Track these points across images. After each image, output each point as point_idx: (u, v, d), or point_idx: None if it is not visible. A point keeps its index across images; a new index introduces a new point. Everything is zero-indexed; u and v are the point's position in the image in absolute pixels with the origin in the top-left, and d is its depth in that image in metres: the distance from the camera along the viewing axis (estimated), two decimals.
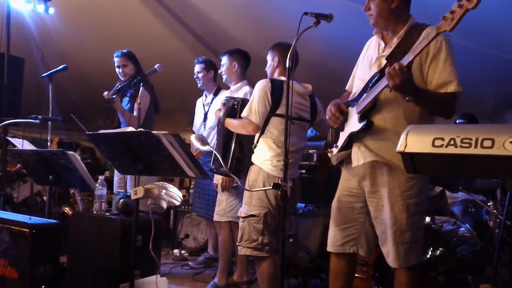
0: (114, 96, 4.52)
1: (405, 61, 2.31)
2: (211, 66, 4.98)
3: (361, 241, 2.81)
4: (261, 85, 3.49)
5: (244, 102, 3.71)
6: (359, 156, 2.72)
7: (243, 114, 3.52)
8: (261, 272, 3.44)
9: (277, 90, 3.47)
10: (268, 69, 3.70)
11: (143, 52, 5.04)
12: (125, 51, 4.84)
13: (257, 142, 3.53)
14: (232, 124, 3.64)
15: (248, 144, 3.63)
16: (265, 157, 3.46)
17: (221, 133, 3.73)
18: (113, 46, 5.53)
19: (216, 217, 4.33)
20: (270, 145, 3.46)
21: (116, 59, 4.83)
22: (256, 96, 3.47)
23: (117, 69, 4.82)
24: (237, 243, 3.51)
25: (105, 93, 4.55)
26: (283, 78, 3.52)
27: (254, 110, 3.46)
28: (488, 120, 5.90)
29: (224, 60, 4.54)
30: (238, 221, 4.15)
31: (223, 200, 4.26)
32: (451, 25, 2.13)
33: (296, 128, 3.51)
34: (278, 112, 3.47)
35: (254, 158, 3.53)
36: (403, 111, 2.57)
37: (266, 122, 3.50)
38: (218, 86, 5.08)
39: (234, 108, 3.72)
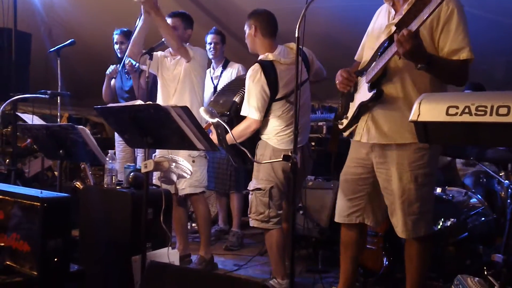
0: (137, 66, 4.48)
1: (414, 26, 2.25)
2: (225, 40, 4.97)
3: (367, 212, 2.83)
4: (255, 78, 3.36)
5: (231, 111, 3.58)
6: (364, 132, 2.70)
7: (243, 113, 3.43)
8: (269, 243, 3.49)
9: (270, 75, 3.36)
10: (247, 40, 3.55)
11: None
12: (125, 29, 4.98)
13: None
14: (235, 136, 3.23)
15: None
16: (270, 132, 3.46)
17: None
18: (120, 21, 5.49)
19: (190, 190, 4.03)
20: (274, 123, 3.45)
21: (115, 36, 5.00)
22: (253, 92, 3.36)
23: (116, 45, 5.00)
24: (248, 215, 3.55)
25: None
26: (270, 57, 3.42)
27: (253, 107, 3.38)
28: (498, 91, 5.81)
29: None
30: (208, 189, 4.12)
31: (196, 171, 3.95)
32: None
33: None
34: (277, 97, 3.41)
35: (260, 133, 3.52)
36: (414, 79, 2.54)
37: (267, 109, 3.44)
38: (226, 59, 5.06)
39: (226, 125, 3.56)
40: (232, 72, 4.93)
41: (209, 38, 4.90)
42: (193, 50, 4.02)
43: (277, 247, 3.45)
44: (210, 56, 4.87)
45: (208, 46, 4.91)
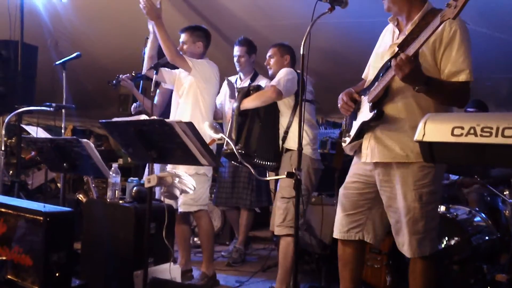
0: (121, 77, 4.46)
1: (411, 50, 2.26)
2: (254, 49, 4.70)
3: (367, 228, 2.79)
4: (290, 70, 3.63)
5: (260, 88, 3.71)
6: (368, 152, 2.69)
7: (272, 83, 3.62)
8: (285, 250, 3.53)
9: (299, 79, 3.59)
10: (275, 63, 3.81)
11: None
12: None
13: (288, 127, 3.62)
14: (250, 98, 3.64)
15: (267, 128, 3.66)
16: (304, 141, 3.44)
17: (237, 119, 3.64)
18: (126, 34, 5.53)
19: (184, 208, 3.93)
20: (306, 129, 3.55)
21: None
22: (289, 75, 3.59)
23: None
24: (278, 224, 3.55)
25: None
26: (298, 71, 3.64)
27: (283, 82, 3.55)
28: (503, 108, 5.82)
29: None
30: (205, 208, 4.03)
31: None
32: (454, 13, 2.07)
33: (312, 109, 3.75)
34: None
35: (291, 143, 3.61)
36: (417, 100, 2.53)
37: (296, 106, 3.59)
38: (255, 71, 4.84)
39: (249, 93, 3.70)
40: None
41: (234, 50, 4.68)
42: (195, 62, 3.98)
43: (292, 256, 3.44)
44: (237, 69, 4.71)
45: (234, 59, 4.71)
